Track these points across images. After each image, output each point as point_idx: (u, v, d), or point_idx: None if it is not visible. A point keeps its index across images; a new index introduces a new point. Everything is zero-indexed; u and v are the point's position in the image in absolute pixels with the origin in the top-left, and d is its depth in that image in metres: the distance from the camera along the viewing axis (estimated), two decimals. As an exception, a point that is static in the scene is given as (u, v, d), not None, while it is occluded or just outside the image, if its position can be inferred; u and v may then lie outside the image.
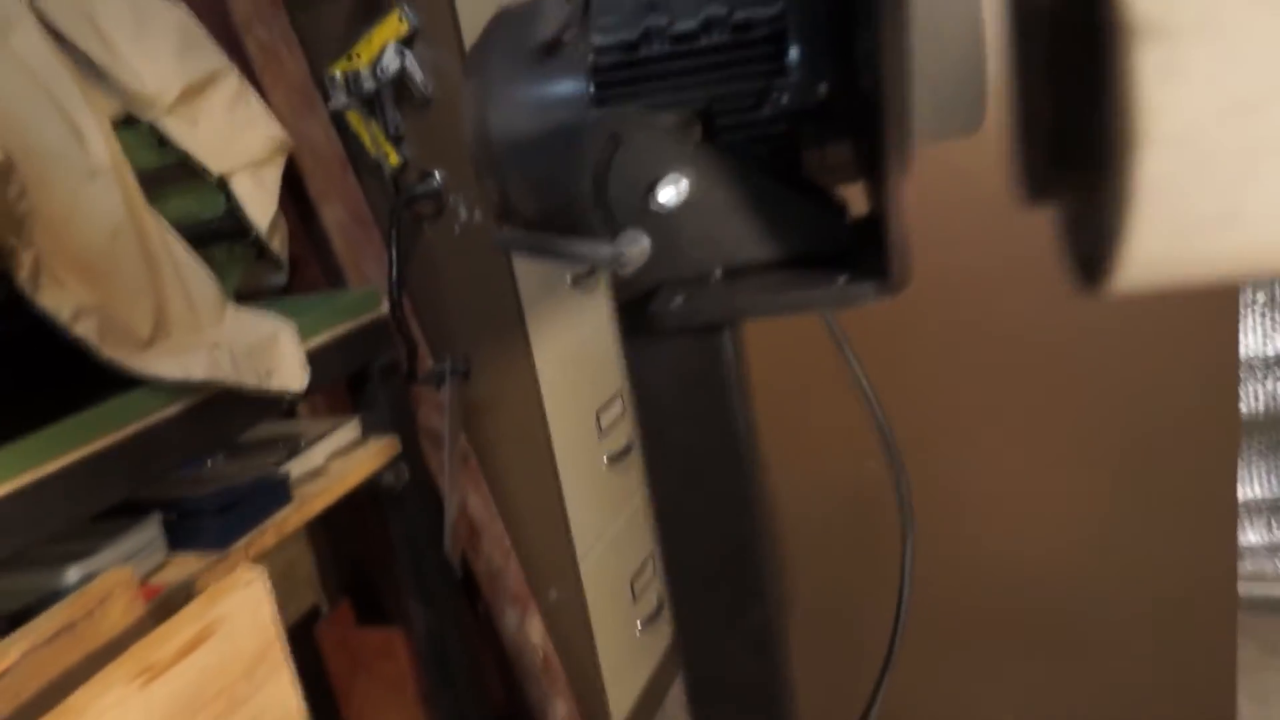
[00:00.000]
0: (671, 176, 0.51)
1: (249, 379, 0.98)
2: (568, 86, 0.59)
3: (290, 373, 1.03)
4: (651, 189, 0.52)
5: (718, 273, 0.54)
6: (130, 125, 1.10)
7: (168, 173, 1.13)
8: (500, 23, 0.64)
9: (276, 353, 1.03)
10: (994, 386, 1.33)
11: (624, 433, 1.84)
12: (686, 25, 0.58)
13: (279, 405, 1.03)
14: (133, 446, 0.86)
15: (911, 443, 1.39)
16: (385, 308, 1.30)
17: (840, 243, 0.52)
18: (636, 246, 0.52)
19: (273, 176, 1.24)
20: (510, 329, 1.50)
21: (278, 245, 1.25)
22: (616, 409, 1.80)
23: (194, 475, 1.11)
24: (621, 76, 0.59)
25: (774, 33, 0.55)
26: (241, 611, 0.70)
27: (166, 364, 0.90)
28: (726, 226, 0.53)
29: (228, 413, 0.97)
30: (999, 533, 1.38)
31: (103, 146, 0.96)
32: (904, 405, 1.38)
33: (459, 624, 1.45)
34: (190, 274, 1.03)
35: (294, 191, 1.49)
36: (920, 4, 0.61)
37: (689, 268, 0.54)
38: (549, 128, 0.62)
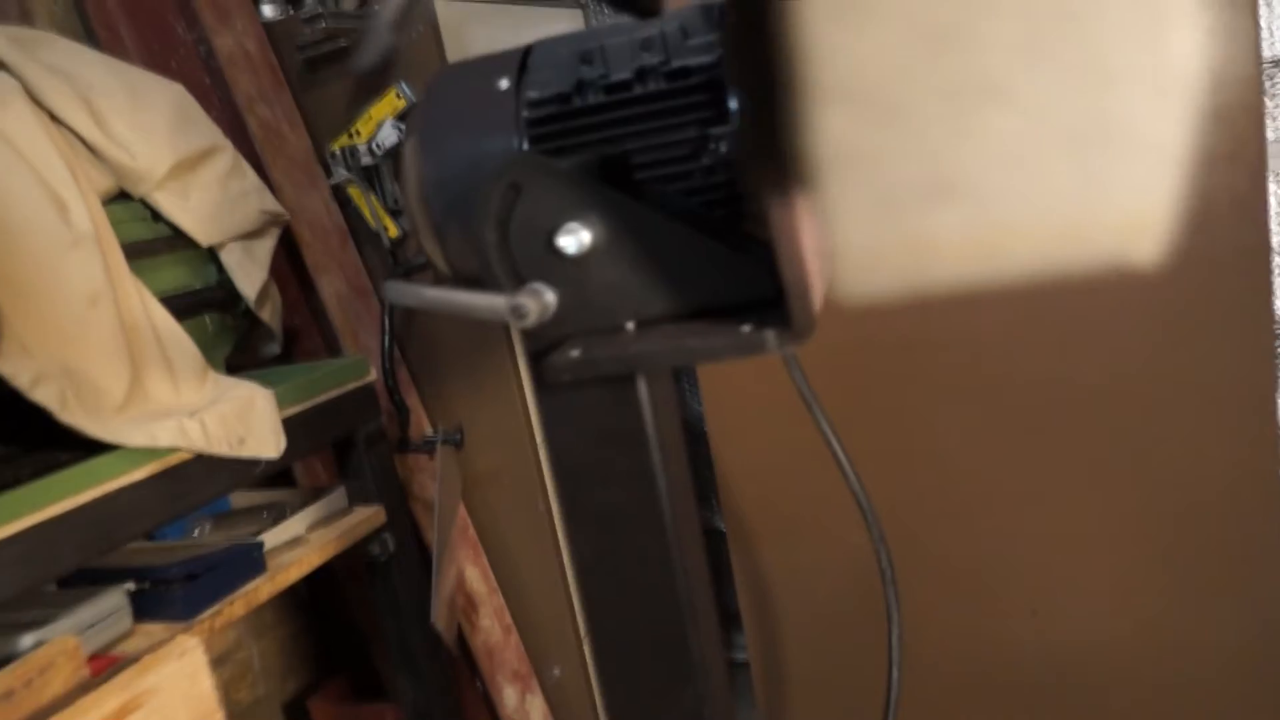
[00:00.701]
0: (570, 225, 0.50)
1: (220, 446, 0.98)
2: (501, 141, 0.59)
3: (265, 439, 1.03)
4: (552, 238, 0.51)
5: (630, 326, 0.52)
6: (123, 199, 1.13)
7: (160, 244, 1.15)
8: (441, 80, 0.64)
9: (252, 419, 1.03)
10: (1028, 458, 1.28)
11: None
12: (621, 75, 0.57)
13: (253, 472, 1.03)
14: (94, 512, 0.86)
15: (937, 515, 1.35)
16: (373, 375, 1.30)
17: (766, 294, 0.51)
18: (537, 299, 0.50)
19: (265, 248, 1.25)
20: (509, 399, 1.50)
21: (269, 315, 1.26)
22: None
23: (174, 543, 1.11)
24: (554, 129, 0.58)
25: (711, 80, 0.55)
26: (175, 683, 0.69)
27: (133, 431, 0.91)
28: (640, 278, 0.51)
29: (198, 480, 0.97)
30: (1028, 612, 1.32)
31: (86, 218, 0.98)
32: (931, 476, 1.34)
33: (449, 700, 1.41)
34: (171, 342, 1.04)
35: (295, 263, 1.51)
36: None
37: (600, 320, 0.52)
38: (483, 184, 0.62)
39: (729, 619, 1.66)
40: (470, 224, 0.60)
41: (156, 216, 1.16)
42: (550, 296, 0.52)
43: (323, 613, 1.74)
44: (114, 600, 0.91)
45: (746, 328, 0.47)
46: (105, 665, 0.84)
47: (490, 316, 0.50)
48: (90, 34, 1.46)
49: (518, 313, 0.49)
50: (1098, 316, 1.25)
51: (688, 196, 0.55)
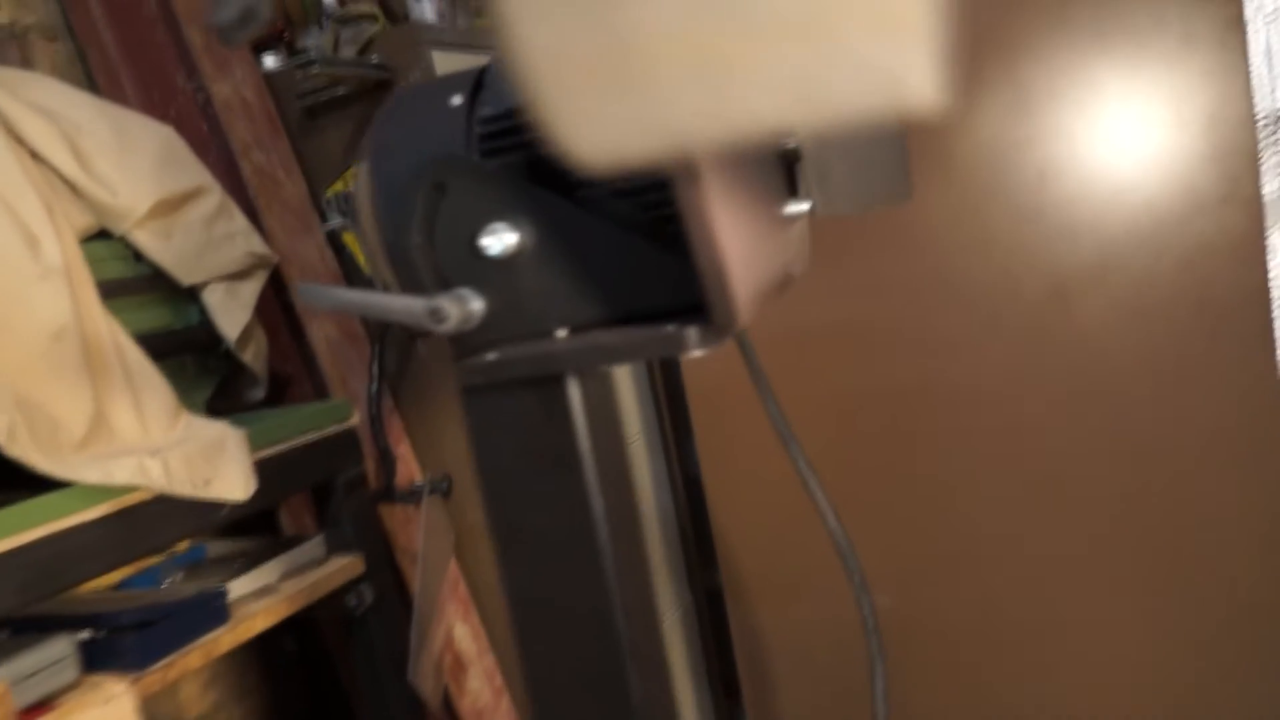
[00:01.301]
0: (495, 226, 0.47)
1: (183, 487, 0.94)
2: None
3: (233, 481, 0.99)
4: (476, 239, 0.47)
5: (561, 332, 0.48)
6: (105, 237, 1.11)
7: (140, 283, 1.13)
8: (394, 101, 0.63)
9: (220, 460, 0.99)
10: (1042, 512, 1.23)
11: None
12: None
13: (219, 516, 0.99)
14: (40, 552, 0.82)
15: (946, 572, 1.29)
16: (356, 419, 1.27)
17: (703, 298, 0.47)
18: (460, 303, 0.47)
19: (250, 290, 1.24)
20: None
21: (251, 357, 1.24)
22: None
23: (137, 591, 1.07)
24: (507, 143, 0.56)
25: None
26: (95, 729, 0.64)
27: (88, 467, 0.87)
28: (571, 282, 0.48)
29: (157, 522, 0.93)
30: (1042, 677, 1.24)
31: (57, 252, 0.97)
32: (940, 532, 1.28)
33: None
34: (142, 381, 1.02)
35: (287, 310, 1.49)
36: None
37: (531, 326, 0.48)
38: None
39: (733, 690, 1.58)
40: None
41: (139, 256, 1.15)
42: (476, 304, 0.48)
43: (311, 673, 1.68)
44: (59, 648, 0.87)
45: (670, 327, 0.43)
46: (41, 714, 0.80)
47: (407, 319, 0.46)
48: (92, 83, 1.48)
49: (436, 316, 0.46)
50: (1101, 362, 1.20)
51: (633, 203, 0.52)
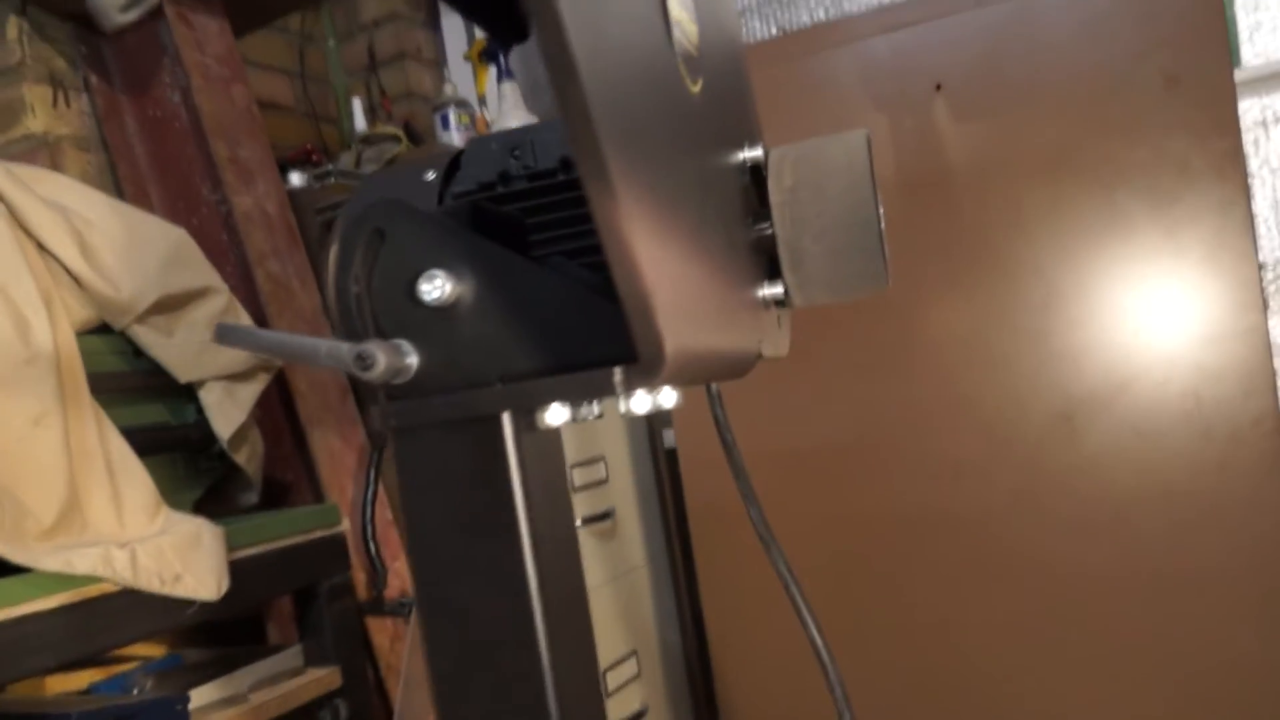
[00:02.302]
0: (432, 272, 0.45)
1: (149, 581, 0.91)
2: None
3: (204, 579, 0.96)
4: (414, 285, 0.46)
5: (498, 384, 0.46)
6: (106, 332, 1.12)
7: (136, 377, 1.13)
8: (369, 180, 0.63)
9: (194, 556, 0.96)
10: (1048, 645, 1.15)
11: (637, 696, 1.66)
12: (546, 164, 0.57)
13: (185, 614, 0.95)
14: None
15: (949, 704, 1.20)
16: (344, 525, 1.23)
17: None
18: (392, 352, 0.45)
19: (250, 392, 1.23)
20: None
21: (245, 459, 1.22)
22: (629, 669, 1.63)
23: (99, 696, 1.02)
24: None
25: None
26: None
27: (49, 556, 0.85)
28: (511, 331, 0.46)
29: (119, 616, 0.89)
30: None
31: (48, 340, 0.97)
32: (943, 663, 1.21)
33: None
34: (124, 474, 1.00)
35: (291, 418, 1.48)
36: (810, 164, 0.57)
37: (467, 378, 0.46)
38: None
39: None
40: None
41: (139, 353, 1.15)
42: (411, 359, 0.46)
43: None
44: (1, 747, 0.82)
45: (604, 370, 0.40)
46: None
47: (332, 363, 0.44)
48: (120, 193, 1.53)
49: (363, 361, 0.44)
50: (1109, 490, 1.16)
51: (582, 263, 0.51)
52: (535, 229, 0.56)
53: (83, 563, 0.86)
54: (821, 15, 1.81)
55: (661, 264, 0.36)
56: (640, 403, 0.46)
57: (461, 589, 0.46)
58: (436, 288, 0.45)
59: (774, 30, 1.85)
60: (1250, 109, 1.54)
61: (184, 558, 0.95)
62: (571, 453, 1.57)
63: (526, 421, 0.46)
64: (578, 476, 1.58)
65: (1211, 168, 1.11)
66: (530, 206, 0.57)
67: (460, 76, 2.15)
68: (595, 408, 0.48)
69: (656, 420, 1.76)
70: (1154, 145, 1.16)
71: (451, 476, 0.46)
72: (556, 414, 0.45)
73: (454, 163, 0.60)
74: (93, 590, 0.88)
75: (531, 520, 0.46)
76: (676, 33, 0.47)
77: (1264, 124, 1.54)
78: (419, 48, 2.19)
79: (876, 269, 0.57)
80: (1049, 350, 1.21)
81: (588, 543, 1.59)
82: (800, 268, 0.57)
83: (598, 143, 0.29)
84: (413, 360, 0.46)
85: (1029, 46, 1.21)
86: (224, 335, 0.44)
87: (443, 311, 0.46)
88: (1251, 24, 1.56)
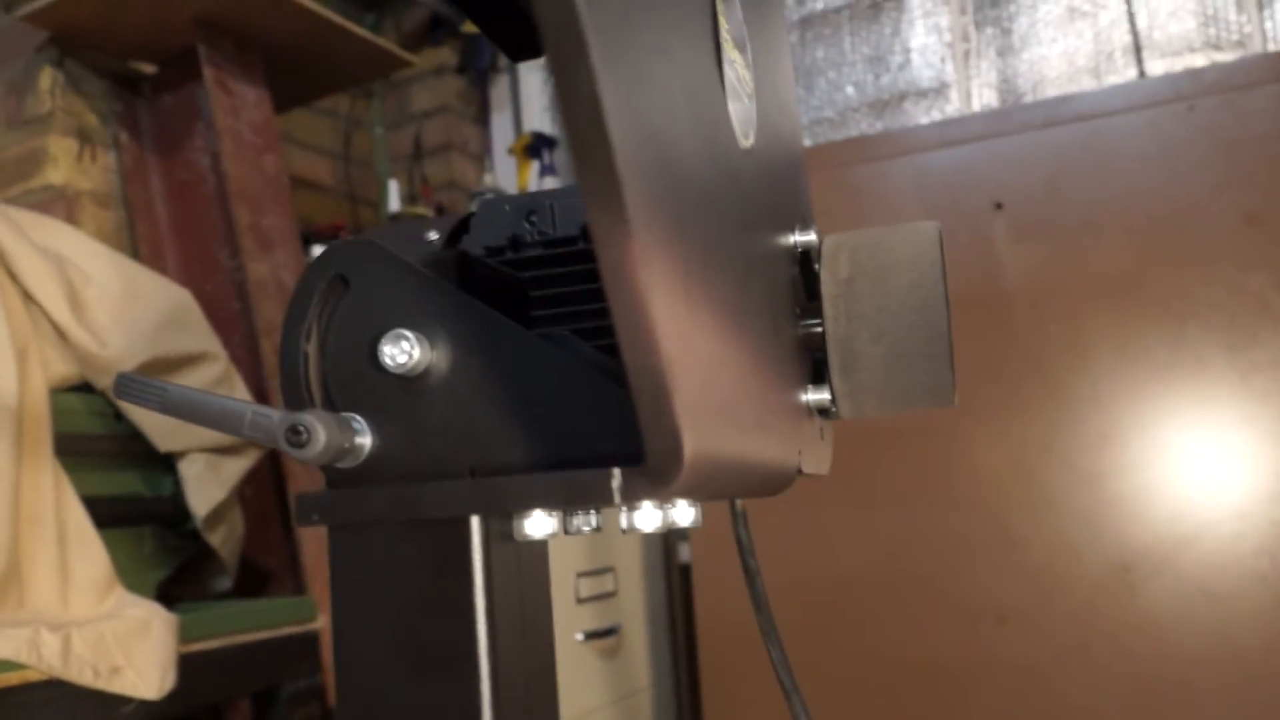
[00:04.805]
0: (399, 331, 0.36)
1: (81, 673, 0.80)
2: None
3: (146, 674, 0.85)
4: (376, 346, 0.37)
5: (468, 478, 0.36)
6: (88, 389, 1.04)
7: (112, 442, 1.05)
8: (371, 232, 0.55)
9: (138, 647, 0.85)
10: None
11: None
12: (567, 231, 0.48)
13: (120, 712, 0.84)
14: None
15: None
16: (320, 623, 1.12)
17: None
18: (339, 429, 0.35)
19: (234, 468, 1.14)
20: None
21: (219, 541, 1.12)
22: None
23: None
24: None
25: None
26: None
27: (-30, 634, 0.74)
28: (489, 412, 0.36)
29: (41, 711, 0.78)
30: None
31: (14, 393, 0.89)
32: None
33: None
34: (77, 546, 0.91)
35: (282, 501, 1.39)
36: (871, 254, 0.49)
37: (430, 466, 0.37)
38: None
39: None
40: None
41: (119, 416, 1.07)
42: (364, 438, 0.37)
43: None
44: None
45: (608, 471, 0.31)
46: None
47: (256, 436, 0.35)
48: (136, 252, 1.48)
49: (296, 436, 0.34)
50: (1168, 652, 1.03)
51: (604, 344, 0.42)
52: (543, 301, 0.47)
53: (5, 645, 0.75)
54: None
55: (688, 338, 0.27)
56: (647, 518, 0.36)
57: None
58: (403, 351, 0.36)
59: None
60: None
61: (127, 648, 0.85)
62: (579, 560, 1.46)
63: (501, 529, 0.36)
64: (584, 587, 1.46)
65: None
66: (542, 276, 0.48)
67: (504, 170, 2.12)
68: (593, 519, 0.39)
69: (673, 531, 1.64)
70: (1230, 282, 1.07)
71: (399, 593, 0.36)
72: (539, 524, 0.36)
73: (463, 224, 0.52)
74: (13, 678, 0.77)
75: (494, 656, 0.35)
76: (729, 71, 0.39)
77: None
78: (466, 141, 2.17)
79: (943, 381, 0.48)
80: (1105, 493, 1.10)
81: (590, 659, 1.47)
82: (853, 372, 0.47)
83: (606, 131, 0.21)
84: (365, 440, 0.37)
85: (1097, 170, 1.14)
86: (123, 387, 0.35)
87: (408, 381, 0.37)
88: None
